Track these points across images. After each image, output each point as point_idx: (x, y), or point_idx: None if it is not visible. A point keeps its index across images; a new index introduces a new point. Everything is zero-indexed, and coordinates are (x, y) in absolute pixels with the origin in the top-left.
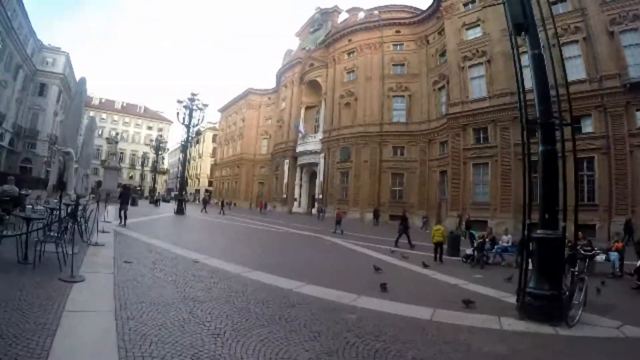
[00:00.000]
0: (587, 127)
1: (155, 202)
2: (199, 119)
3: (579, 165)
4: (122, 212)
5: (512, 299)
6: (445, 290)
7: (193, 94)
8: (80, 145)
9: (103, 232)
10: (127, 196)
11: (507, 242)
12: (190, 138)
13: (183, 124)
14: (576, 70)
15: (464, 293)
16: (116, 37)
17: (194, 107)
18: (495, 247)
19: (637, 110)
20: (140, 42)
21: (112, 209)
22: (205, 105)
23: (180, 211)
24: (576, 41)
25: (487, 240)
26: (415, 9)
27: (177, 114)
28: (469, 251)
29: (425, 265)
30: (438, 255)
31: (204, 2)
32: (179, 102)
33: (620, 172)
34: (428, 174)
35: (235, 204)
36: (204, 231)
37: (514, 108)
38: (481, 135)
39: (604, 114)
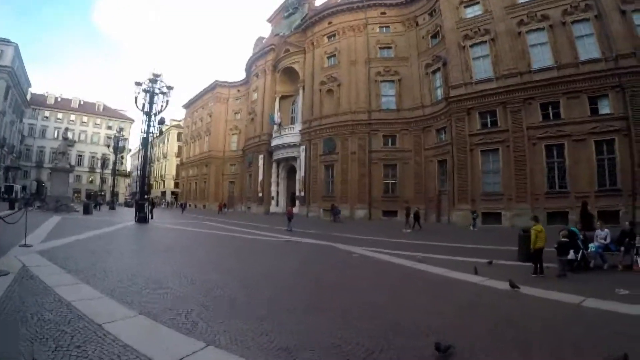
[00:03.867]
0: (604, 107)
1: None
2: (162, 105)
3: (600, 148)
4: None
5: None
6: None
7: (155, 75)
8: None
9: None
10: None
11: (605, 239)
12: (152, 128)
13: (143, 111)
14: (589, 49)
15: None
16: (70, 27)
17: (156, 91)
18: (592, 245)
19: None
20: (96, 34)
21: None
22: (170, 88)
23: (142, 219)
24: (587, 19)
25: (580, 237)
26: None
27: (136, 99)
28: (571, 255)
29: (513, 286)
30: (539, 266)
31: None
32: (138, 84)
33: None
34: (424, 164)
35: (196, 206)
36: (178, 253)
37: (525, 89)
38: (489, 119)
39: (621, 94)
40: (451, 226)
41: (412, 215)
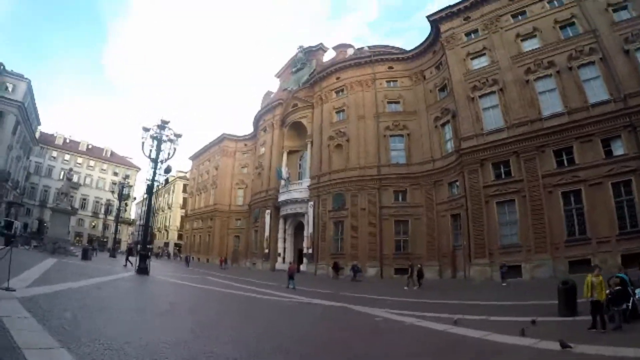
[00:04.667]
0: (618, 149)
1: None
2: (169, 153)
3: (618, 190)
4: None
5: None
6: None
7: (163, 121)
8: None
9: None
10: None
11: None
12: (158, 176)
13: (149, 157)
14: (598, 91)
15: None
16: (82, 71)
17: (164, 138)
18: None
19: None
20: (107, 80)
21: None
22: (178, 136)
23: (142, 270)
24: (593, 62)
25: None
26: (405, 50)
27: (142, 144)
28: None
29: (564, 345)
30: (599, 319)
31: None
32: (145, 129)
33: None
34: (436, 219)
35: (199, 259)
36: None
37: (537, 136)
38: (502, 170)
39: (634, 133)
40: (469, 282)
41: (415, 273)
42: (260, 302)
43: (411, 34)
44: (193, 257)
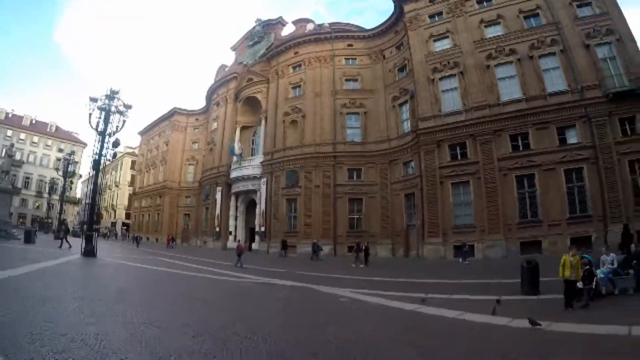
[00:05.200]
0: (572, 137)
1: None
2: (117, 126)
3: (570, 176)
4: None
5: None
6: None
7: (113, 91)
8: None
9: None
10: None
11: (612, 263)
12: (106, 150)
13: (96, 130)
14: (556, 81)
15: None
16: (32, 45)
17: (113, 110)
18: (600, 271)
19: (620, 119)
20: (57, 54)
21: None
22: (128, 107)
23: (89, 252)
24: (553, 53)
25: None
26: (366, 29)
27: (90, 115)
28: (580, 284)
29: (533, 323)
30: (569, 300)
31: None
32: (93, 100)
33: (610, 180)
34: (391, 198)
35: (148, 239)
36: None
37: (495, 121)
38: (458, 152)
39: (588, 124)
40: (422, 260)
41: (363, 251)
42: (220, 284)
43: (370, 16)
44: (141, 237)
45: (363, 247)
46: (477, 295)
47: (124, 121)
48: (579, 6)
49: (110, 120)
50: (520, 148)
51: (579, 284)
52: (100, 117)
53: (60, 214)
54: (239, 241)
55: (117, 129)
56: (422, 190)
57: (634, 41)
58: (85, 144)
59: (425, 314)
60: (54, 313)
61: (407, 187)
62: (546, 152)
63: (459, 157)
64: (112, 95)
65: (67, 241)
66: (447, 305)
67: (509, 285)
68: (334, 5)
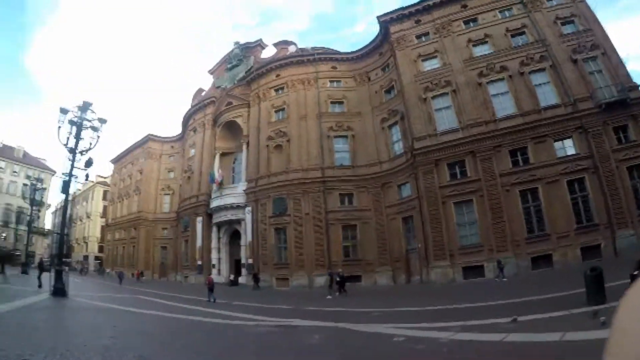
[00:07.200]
0: (570, 149)
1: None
2: (91, 143)
3: (572, 187)
4: None
5: None
6: None
7: (86, 102)
8: None
9: None
10: None
11: None
12: (74, 169)
13: (66, 146)
14: (548, 96)
15: None
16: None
17: (86, 124)
18: None
19: (614, 127)
20: (26, 79)
21: None
22: (103, 121)
23: (59, 291)
24: (543, 69)
25: None
26: (349, 52)
27: (59, 129)
28: None
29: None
30: None
31: (97, 37)
32: (64, 111)
33: (612, 188)
34: (387, 223)
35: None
36: None
37: (492, 137)
38: (458, 170)
39: (584, 135)
40: (430, 285)
41: (336, 280)
42: (225, 331)
43: (342, 45)
44: (124, 274)
45: (337, 277)
46: (549, 313)
47: (98, 137)
48: (563, 24)
49: (82, 137)
50: (521, 163)
51: None
52: (70, 132)
53: (27, 245)
54: (209, 275)
55: (90, 145)
56: (422, 213)
57: (617, 53)
58: (54, 172)
59: (533, 343)
60: None
61: (404, 210)
62: (546, 165)
63: (459, 176)
64: (85, 107)
65: (38, 278)
66: (535, 329)
67: (566, 298)
68: (304, 36)
